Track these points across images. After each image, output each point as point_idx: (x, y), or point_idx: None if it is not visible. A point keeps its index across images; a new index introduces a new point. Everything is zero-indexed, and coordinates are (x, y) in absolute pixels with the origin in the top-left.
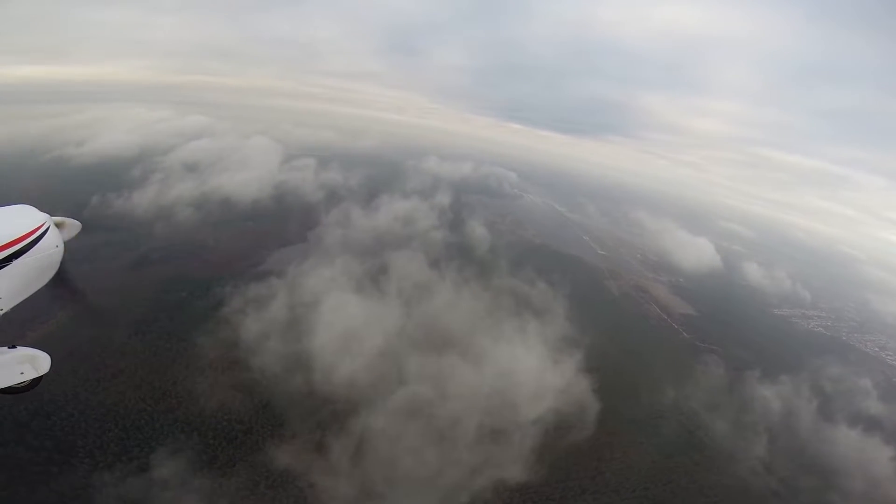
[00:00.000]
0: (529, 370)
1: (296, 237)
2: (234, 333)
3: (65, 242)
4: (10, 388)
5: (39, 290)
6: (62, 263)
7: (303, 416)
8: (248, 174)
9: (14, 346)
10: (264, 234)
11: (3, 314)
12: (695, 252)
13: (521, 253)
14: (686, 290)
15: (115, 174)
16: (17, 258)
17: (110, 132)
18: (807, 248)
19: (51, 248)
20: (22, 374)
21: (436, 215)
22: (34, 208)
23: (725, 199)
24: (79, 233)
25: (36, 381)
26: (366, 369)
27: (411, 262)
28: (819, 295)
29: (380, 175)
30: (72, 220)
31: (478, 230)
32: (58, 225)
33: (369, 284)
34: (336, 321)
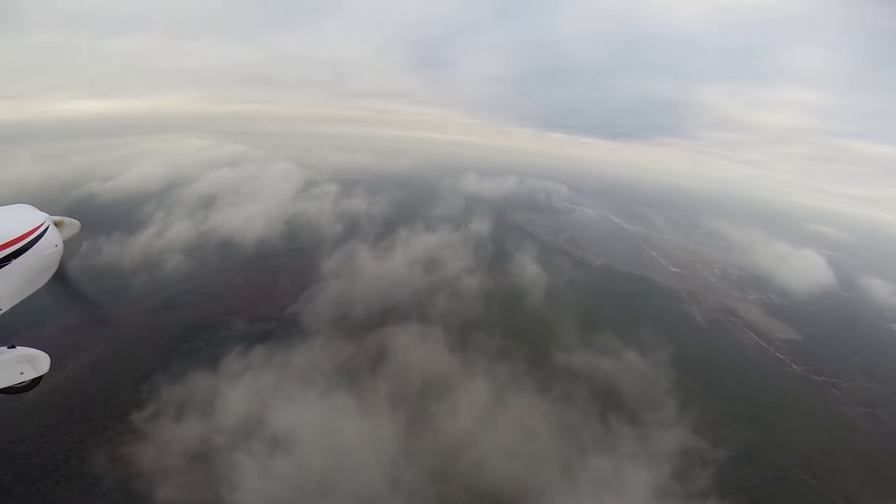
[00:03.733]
0: None
1: (288, 293)
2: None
3: (64, 242)
4: (10, 388)
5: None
6: (63, 266)
7: None
8: (262, 206)
9: (13, 346)
10: (246, 292)
11: (3, 314)
12: (792, 263)
13: (589, 295)
14: (782, 309)
15: (131, 210)
16: (16, 257)
17: (140, 166)
18: None
19: (50, 248)
20: (22, 374)
21: (471, 251)
22: (34, 207)
23: (799, 198)
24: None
25: (36, 381)
26: None
27: (427, 343)
28: None
29: (410, 199)
30: (71, 219)
31: (528, 268)
32: (57, 224)
33: (355, 388)
34: (283, 466)
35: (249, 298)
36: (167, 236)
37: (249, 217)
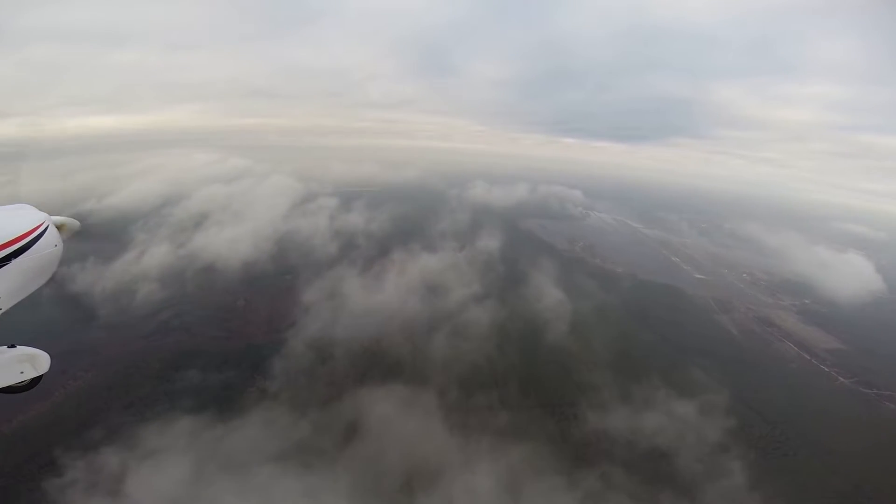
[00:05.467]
0: None
1: (261, 332)
2: None
3: (63, 242)
4: (10, 387)
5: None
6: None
7: None
8: (252, 225)
9: (14, 346)
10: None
11: (3, 312)
12: (831, 266)
13: (617, 320)
14: (820, 315)
15: (121, 229)
16: (16, 257)
17: (138, 182)
18: None
19: (50, 248)
20: (22, 373)
21: (479, 272)
22: (33, 207)
23: (822, 195)
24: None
25: (36, 381)
26: None
27: (417, 410)
28: None
29: (415, 212)
30: (71, 219)
31: (548, 293)
32: (56, 224)
33: (318, 473)
34: None
35: (239, 326)
36: (150, 260)
37: (236, 238)
